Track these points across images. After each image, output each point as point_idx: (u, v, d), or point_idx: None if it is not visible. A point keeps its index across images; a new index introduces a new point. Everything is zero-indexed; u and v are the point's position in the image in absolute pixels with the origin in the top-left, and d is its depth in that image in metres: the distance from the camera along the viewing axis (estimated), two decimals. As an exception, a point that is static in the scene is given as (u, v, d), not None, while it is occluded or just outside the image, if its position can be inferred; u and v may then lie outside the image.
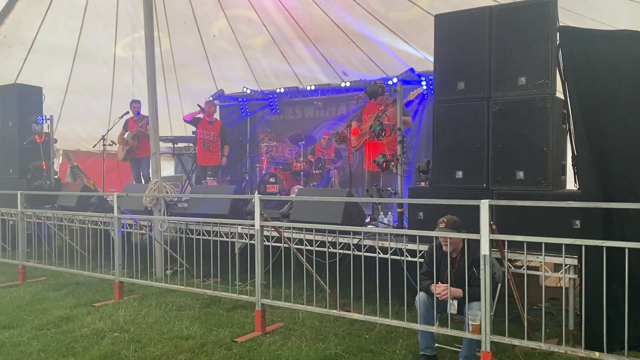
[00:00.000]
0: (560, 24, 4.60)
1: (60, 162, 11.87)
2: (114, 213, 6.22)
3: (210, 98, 10.65)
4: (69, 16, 10.17)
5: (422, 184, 5.14)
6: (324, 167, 9.21)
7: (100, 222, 6.73)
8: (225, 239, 5.86)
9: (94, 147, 9.95)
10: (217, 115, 11.74)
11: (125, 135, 9.62)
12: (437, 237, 4.17)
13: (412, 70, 8.39)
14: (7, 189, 8.42)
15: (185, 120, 9.80)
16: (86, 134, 13.15)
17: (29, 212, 7.37)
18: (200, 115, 9.28)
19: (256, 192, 8.99)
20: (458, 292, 3.98)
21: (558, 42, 4.52)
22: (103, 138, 9.48)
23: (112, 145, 9.64)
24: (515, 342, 3.68)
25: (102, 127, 11.82)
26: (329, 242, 4.98)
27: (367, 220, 6.03)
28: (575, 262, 4.11)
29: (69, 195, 8.32)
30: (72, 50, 11.05)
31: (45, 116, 9.24)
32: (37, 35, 10.26)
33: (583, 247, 3.52)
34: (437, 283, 4.07)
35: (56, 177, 9.59)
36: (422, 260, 4.41)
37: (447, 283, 4.02)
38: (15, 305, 5.81)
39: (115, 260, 6.15)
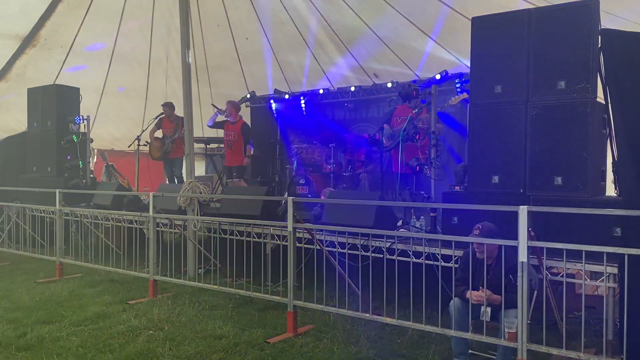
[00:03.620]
0: (602, 27, 4.50)
1: (95, 161, 12.17)
2: (150, 212, 6.34)
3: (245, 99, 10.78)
4: (106, 20, 10.40)
5: (457, 188, 5.08)
6: (354, 169, 9.18)
7: (135, 221, 6.86)
8: (257, 239, 5.92)
9: (129, 146, 10.15)
10: (247, 117, 11.87)
11: (156, 133, 9.81)
12: (472, 243, 4.13)
13: (446, 72, 8.32)
14: (45, 187, 8.66)
15: (209, 126, 9.62)
16: (120, 134, 13.43)
17: (66, 210, 7.56)
18: (224, 117, 9.12)
19: (286, 194, 9.04)
20: (496, 298, 3.93)
21: (599, 45, 4.43)
22: (138, 138, 9.66)
23: (146, 145, 9.82)
24: (553, 351, 3.61)
25: (136, 127, 12.05)
26: (360, 245, 4.97)
27: (399, 224, 6.00)
28: (615, 270, 4.01)
29: (104, 194, 8.51)
30: (109, 53, 11.30)
31: (82, 116, 9.48)
32: (76, 38, 10.52)
33: (626, 256, 3.44)
34: (472, 289, 4.03)
35: (92, 176, 9.82)
36: (456, 265, 4.37)
37: (482, 289, 3.98)
38: (54, 301, 5.97)
39: (150, 258, 6.26)
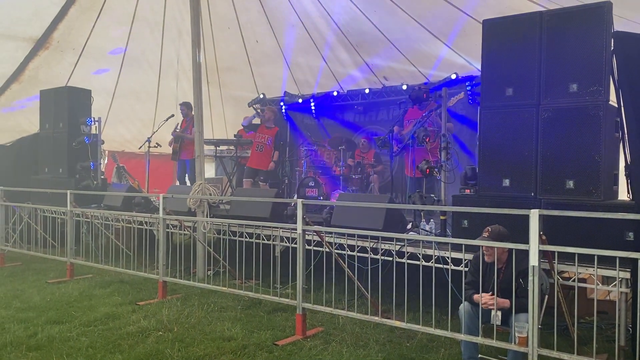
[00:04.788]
0: (615, 30, 4.46)
1: (106, 163, 12.26)
2: (160, 214, 6.36)
3: (261, 97, 11.23)
4: (118, 22, 10.49)
5: (467, 191, 5.05)
6: (363, 171, 9.18)
7: (145, 222, 6.89)
8: (266, 241, 5.93)
9: (139, 148, 10.22)
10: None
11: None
12: (481, 245, 4.10)
13: (455, 75, 8.30)
14: (57, 188, 8.73)
15: (243, 125, 10.11)
16: (131, 136, 13.53)
17: (77, 211, 7.61)
18: (259, 121, 9.47)
19: (295, 196, 9.05)
20: (505, 302, 3.91)
21: (612, 47, 4.39)
22: (148, 140, 9.72)
23: (156, 147, 9.88)
24: (564, 356, 3.57)
25: (147, 129, 12.15)
26: (370, 248, 4.96)
27: (409, 226, 5.97)
28: (627, 275, 3.96)
29: (114, 195, 8.56)
30: (120, 55, 11.38)
31: (93, 118, 9.54)
32: (88, 41, 10.61)
33: (639, 261, 3.40)
34: (482, 293, 4.00)
35: (102, 177, 9.88)
36: (466, 269, 4.34)
37: (492, 293, 3.95)
38: (64, 301, 6.01)
39: (160, 260, 6.28)
